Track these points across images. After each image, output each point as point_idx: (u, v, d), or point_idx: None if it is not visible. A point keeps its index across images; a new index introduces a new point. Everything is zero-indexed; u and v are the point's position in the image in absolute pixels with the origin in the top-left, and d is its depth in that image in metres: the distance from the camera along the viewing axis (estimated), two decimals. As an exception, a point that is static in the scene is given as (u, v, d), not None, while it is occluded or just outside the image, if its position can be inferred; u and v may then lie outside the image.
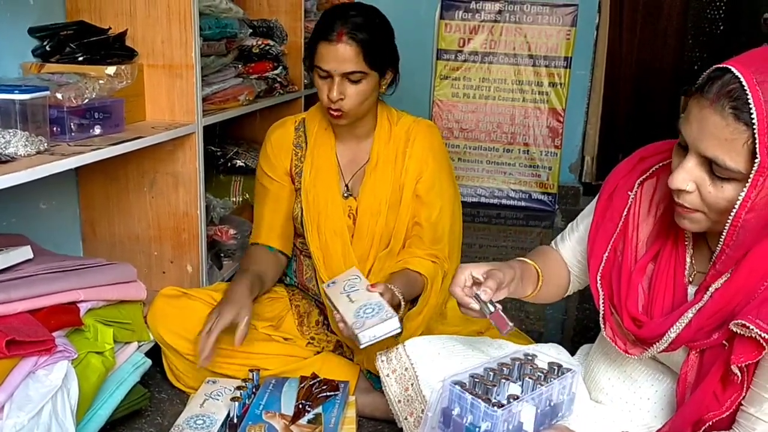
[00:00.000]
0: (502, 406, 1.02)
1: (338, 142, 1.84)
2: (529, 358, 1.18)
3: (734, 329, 1.02)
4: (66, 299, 1.45)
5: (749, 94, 0.91)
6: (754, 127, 0.91)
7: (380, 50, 1.68)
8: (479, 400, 1.03)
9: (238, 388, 1.56)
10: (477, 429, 1.02)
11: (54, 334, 1.35)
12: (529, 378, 1.12)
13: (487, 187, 4.11)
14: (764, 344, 1.01)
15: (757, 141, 0.91)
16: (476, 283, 1.18)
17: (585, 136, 4.28)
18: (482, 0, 3.92)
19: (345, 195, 1.81)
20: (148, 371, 1.68)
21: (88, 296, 1.50)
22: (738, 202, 0.97)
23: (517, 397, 1.06)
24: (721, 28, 4.36)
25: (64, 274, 1.50)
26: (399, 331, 1.46)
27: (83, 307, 1.48)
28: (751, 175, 0.94)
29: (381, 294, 1.54)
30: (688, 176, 1.01)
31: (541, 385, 1.10)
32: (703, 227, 1.07)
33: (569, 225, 1.43)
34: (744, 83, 0.92)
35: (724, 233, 1.01)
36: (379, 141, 1.81)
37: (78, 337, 1.46)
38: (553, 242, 1.47)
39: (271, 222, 1.87)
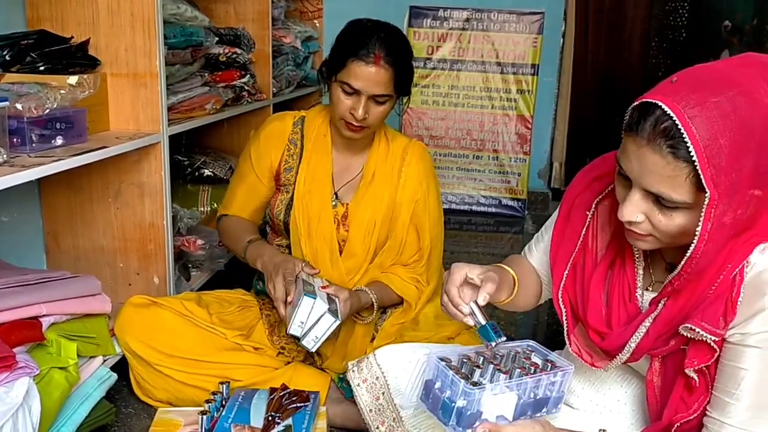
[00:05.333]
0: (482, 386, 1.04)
1: (334, 150, 1.85)
2: (528, 351, 1.19)
3: (683, 333, 1.05)
4: (28, 314, 1.42)
5: (683, 131, 0.91)
6: (695, 163, 0.92)
7: (408, 76, 1.73)
8: (458, 377, 1.05)
9: (207, 401, 1.53)
10: (453, 404, 1.05)
11: (15, 350, 1.32)
12: (519, 369, 1.13)
13: (457, 193, 4.13)
14: (715, 347, 1.03)
15: (701, 175, 0.92)
16: (468, 283, 1.18)
17: (553, 142, 4.31)
18: (450, 8, 3.94)
19: (333, 203, 1.82)
20: (114, 385, 1.64)
21: (50, 310, 1.47)
22: (696, 237, 0.96)
23: (500, 372, 1.08)
24: (684, 35, 4.43)
25: (26, 288, 1.47)
26: (337, 322, 1.58)
27: (46, 322, 1.45)
28: (703, 209, 0.94)
29: (335, 296, 1.63)
30: (636, 209, 1.02)
31: (530, 374, 1.11)
32: (658, 246, 1.08)
33: (535, 236, 1.44)
34: (676, 120, 0.92)
35: (682, 262, 1.01)
36: (377, 156, 1.84)
37: (40, 352, 1.43)
38: (523, 252, 1.48)
39: (243, 203, 1.90)
